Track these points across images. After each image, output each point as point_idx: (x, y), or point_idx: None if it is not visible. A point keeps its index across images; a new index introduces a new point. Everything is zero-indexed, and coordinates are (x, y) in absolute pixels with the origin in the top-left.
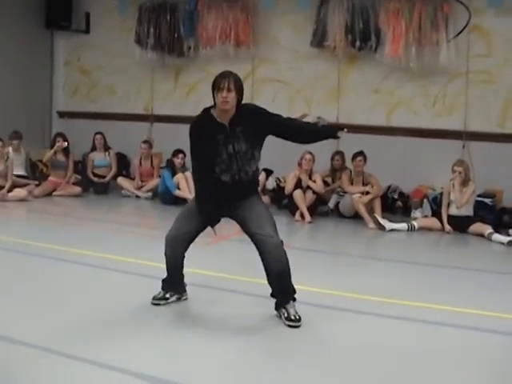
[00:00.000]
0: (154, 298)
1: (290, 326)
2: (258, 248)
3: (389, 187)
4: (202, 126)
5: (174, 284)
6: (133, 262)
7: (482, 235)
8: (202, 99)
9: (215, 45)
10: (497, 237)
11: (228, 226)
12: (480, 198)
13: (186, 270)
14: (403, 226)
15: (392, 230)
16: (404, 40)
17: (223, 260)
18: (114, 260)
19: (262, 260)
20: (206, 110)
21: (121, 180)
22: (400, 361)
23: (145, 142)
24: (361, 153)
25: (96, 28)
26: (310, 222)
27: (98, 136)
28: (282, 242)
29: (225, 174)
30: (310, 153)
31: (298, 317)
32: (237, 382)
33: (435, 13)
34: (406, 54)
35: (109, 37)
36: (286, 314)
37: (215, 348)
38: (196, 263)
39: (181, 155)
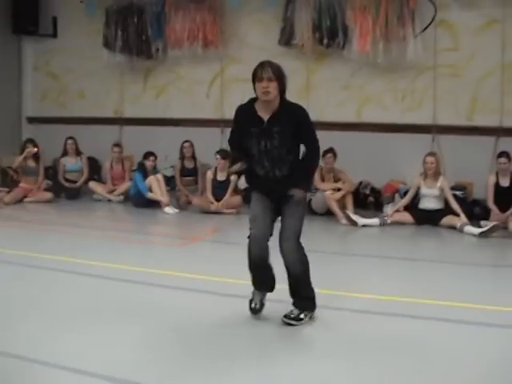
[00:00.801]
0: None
1: (284, 322)
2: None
3: (360, 183)
4: (242, 114)
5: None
6: (107, 266)
7: (453, 227)
8: (171, 101)
9: (183, 46)
10: (468, 229)
11: (201, 227)
12: (451, 191)
13: (161, 273)
14: (375, 221)
15: (364, 226)
16: (371, 36)
17: (198, 261)
18: (88, 265)
19: (283, 259)
20: (251, 100)
21: (92, 184)
22: (373, 352)
23: (116, 145)
24: (331, 149)
25: (64, 32)
26: None
27: (70, 141)
28: (299, 246)
29: (258, 167)
30: None
31: (295, 316)
32: None
33: (401, 8)
34: (373, 49)
35: (77, 41)
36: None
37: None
38: (171, 266)
39: (152, 158)
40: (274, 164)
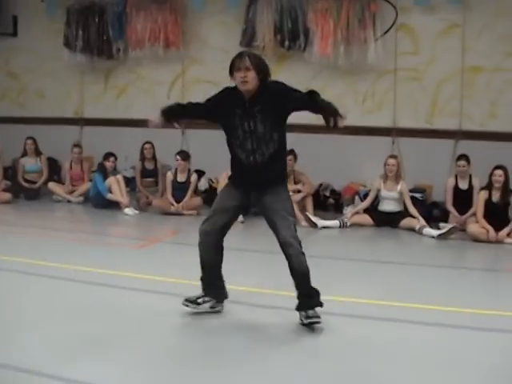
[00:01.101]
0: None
1: (310, 323)
2: (281, 249)
3: (320, 185)
4: (228, 95)
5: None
6: (66, 268)
7: (413, 229)
8: (132, 101)
9: (144, 46)
10: (427, 231)
11: (161, 228)
12: (410, 193)
13: (121, 275)
14: (335, 222)
15: (324, 228)
16: (332, 39)
17: (157, 263)
18: (47, 266)
19: (287, 261)
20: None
21: (52, 185)
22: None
23: (76, 145)
24: (291, 151)
25: (24, 31)
26: (242, 222)
27: (29, 141)
28: (300, 245)
29: (240, 151)
30: None
31: (317, 314)
32: None
33: (363, 12)
34: (334, 52)
35: (37, 40)
36: (304, 314)
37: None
38: (130, 267)
39: (112, 158)
40: (259, 145)
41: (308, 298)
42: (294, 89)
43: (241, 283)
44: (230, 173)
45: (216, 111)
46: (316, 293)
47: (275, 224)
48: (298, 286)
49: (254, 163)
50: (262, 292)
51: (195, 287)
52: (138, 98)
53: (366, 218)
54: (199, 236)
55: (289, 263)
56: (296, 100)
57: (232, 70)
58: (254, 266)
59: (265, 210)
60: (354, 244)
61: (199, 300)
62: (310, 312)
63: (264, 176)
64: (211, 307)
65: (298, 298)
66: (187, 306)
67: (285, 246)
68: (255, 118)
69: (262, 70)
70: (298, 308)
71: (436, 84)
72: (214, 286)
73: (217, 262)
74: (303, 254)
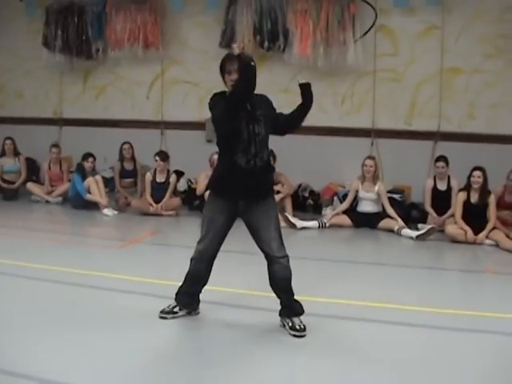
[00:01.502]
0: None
1: (294, 336)
2: (267, 262)
3: (299, 186)
4: (226, 101)
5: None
6: (45, 269)
7: (391, 230)
8: (111, 102)
9: (124, 47)
10: (406, 231)
11: (140, 229)
12: (389, 194)
13: (100, 275)
14: (314, 223)
15: (303, 228)
16: (312, 40)
17: (137, 263)
18: (25, 267)
19: (269, 273)
20: (224, 91)
21: (30, 185)
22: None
23: (55, 145)
24: (270, 152)
25: (2, 31)
26: None
27: (8, 141)
28: (287, 259)
29: (242, 155)
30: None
31: (303, 326)
32: None
33: (342, 13)
34: (313, 53)
35: (16, 40)
36: (290, 324)
37: None
38: (110, 268)
39: (91, 159)
40: (261, 148)
41: (289, 307)
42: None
43: (227, 284)
44: (209, 176)
45: (224, 117)
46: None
47: (263, 239)
48: (278, 296)
49: (253, 168)
50: (250, 294)
51: (174, 287)
52: (117, 99)
53: (345, 219)
54: (194, 253)
55: (272, 276)
56: (277, 118)
57: (223, 72)
58: (236, 266)
59: (254, 222)
60: (332, 245)
61: (175, 309)
62: (296, 321)
63: (261, 182)
64: (187, 313)
65: (281, 304)
66: (165, 318)
67: (272, 261)
68: (259, 121)
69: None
70: (281, 314)
71: (415, 85)
72: (191, 297)
73: (205, 278)
74: (288, 268)
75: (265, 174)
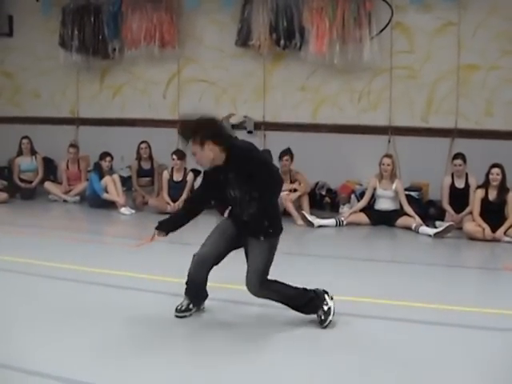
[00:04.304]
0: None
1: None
2: None
3: (316, 184)
4: (211, 170)
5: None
6: (64, 268)
7: (409, 228)
8: (127, 101)
9: (140, 46)
10: (424, 229)
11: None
12: (407, 192)
13: (117, 274)
14: (331, 221)
15: (320, 226)
16: (328, 37)
17: (154, 262)
18: (44, 266)
19: None
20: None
21: (48, 184)
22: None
23: (72, 145)
24: (288, 150)
25: (19, 31)
26: None
27: (25, 140)
28: (262, 287)
29: (234, 209)
30: None
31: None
32: None
33: (358, 10)
34: (330, 51)
35: (33, 39)
36: (319, 318)
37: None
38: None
39: (108, 158)
40: (243, 209)
41: (302, 312)
42: (259, 163)
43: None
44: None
45: (211, 184)
46: (308, 300)
47: (248, 266)
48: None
49: (245, 221)
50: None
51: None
52: (134, 98)
53: (363, 217)
54: (193, 257)
55: None
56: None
57: None
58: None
59: (247, 251)
60: (350, 243)
61: (190, 306)
62: (319, 312)
63: (250, 228)
64: (199, 309)
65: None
66: (184, 316)
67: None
68: (233, 185)
69: (208, 134)
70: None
71: (432, 82)
72: (198, 294)
73: (204, 281)
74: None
75: (254, 223)
